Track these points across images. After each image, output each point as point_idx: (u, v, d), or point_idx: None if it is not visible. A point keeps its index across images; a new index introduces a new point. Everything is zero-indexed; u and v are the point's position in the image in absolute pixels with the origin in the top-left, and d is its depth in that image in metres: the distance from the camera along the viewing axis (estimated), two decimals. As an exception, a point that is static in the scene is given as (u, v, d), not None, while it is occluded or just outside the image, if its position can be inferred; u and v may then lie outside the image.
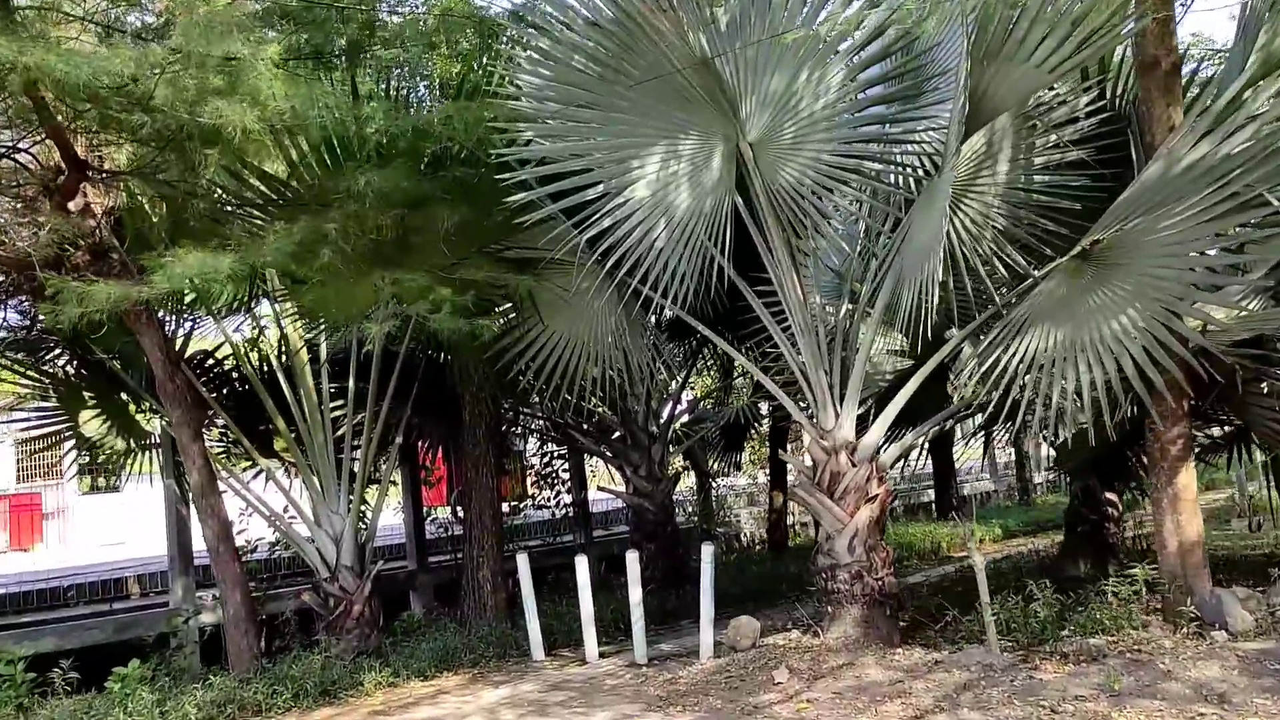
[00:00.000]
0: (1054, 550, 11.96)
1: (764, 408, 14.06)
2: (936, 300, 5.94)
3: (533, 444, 14.77)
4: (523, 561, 8.56)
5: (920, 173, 7.03)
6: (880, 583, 6.93)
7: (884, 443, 7.32)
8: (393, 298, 6.12)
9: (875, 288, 6.95)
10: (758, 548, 15.20)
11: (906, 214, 6.48)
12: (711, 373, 13.81)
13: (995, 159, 6.79)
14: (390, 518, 13.20)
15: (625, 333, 7.92)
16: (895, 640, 6.89)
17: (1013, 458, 23.89)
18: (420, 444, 11.63)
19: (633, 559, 7.91)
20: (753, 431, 14.49)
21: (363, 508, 10.05)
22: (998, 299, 6.60)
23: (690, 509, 14.51)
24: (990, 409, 6.99)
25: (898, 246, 6.46)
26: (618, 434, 12.47)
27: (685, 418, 13.36)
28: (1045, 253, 6.58)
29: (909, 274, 6.21)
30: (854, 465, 7.01)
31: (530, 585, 8.47)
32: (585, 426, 12.76)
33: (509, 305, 8.08)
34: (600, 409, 12.96)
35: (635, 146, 6.69)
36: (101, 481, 19.42)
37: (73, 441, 9.92)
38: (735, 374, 12.07)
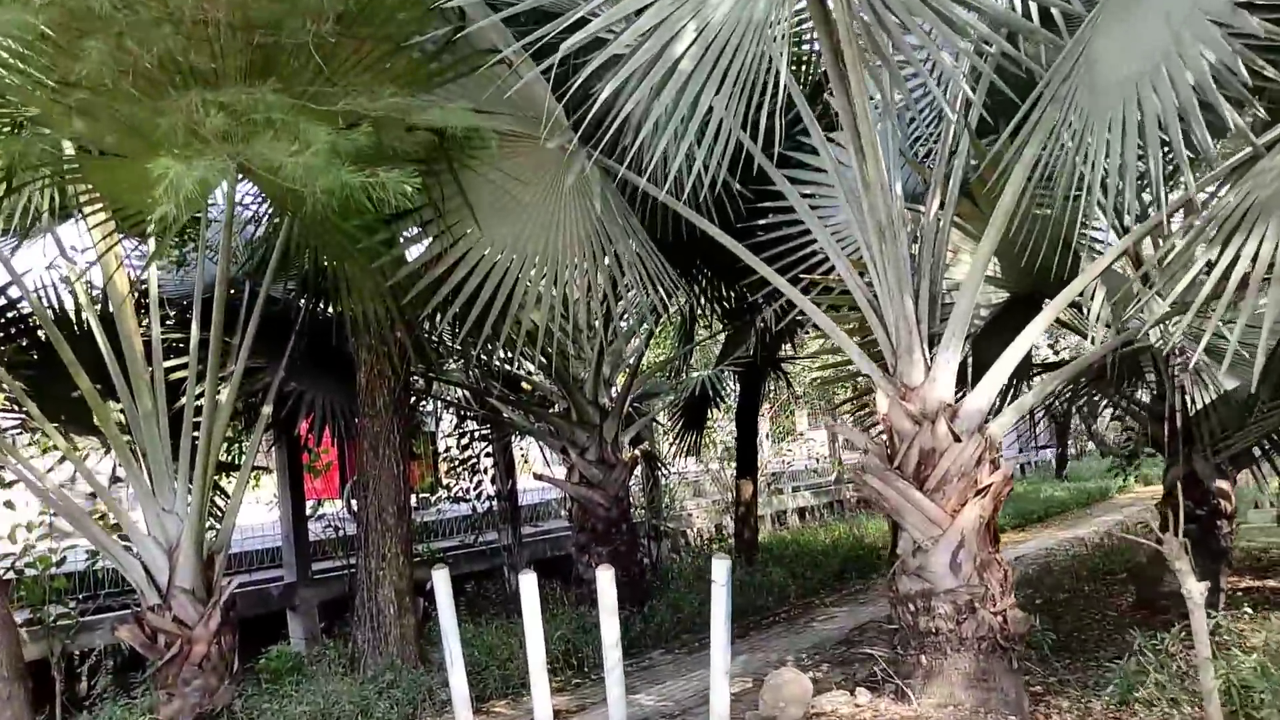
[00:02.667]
0: (1110, 543, 9.84)
1: (731, 381, 11.65)
2: (1162, 165, 3.56)
3: (447, 422, 12.10)
4: (440, 579, 5.91)
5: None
6: (1000, 619, 4.56)
7: (996, 406, 4.94)
8: (223, 136, 3.47)
9: (1006, 169, 4.54)
10: (715, 547, 12.80)
11: (1078, 31, 4.05)
12: (686, 326, 11.30)
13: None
14: (261, 515, 10.40)
15: (606, 240, 5.34)
16: (1025, 707, 4.54)
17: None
18: (304, 419, 8.85)
19: (606, 579, 5.35)
20: (712, 409, 12.05)
21: (214, 503, 7.35)
22: (1191, 180, 4.25)
23: (635, 502, 12.03)
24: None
25: (1066, 81, 4.04)
26: (557, 408, 9.91)
27: (639, 389, 10.84)
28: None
29: (1096, 117, 3.82)
30: (957, 439, 4.62)
31: (452, 615, 5.85)
32: (517, 398, 10.16)
33: (424, 204, 5.45)
34: (535, 375, 10.40)
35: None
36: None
37: None
38: (725, 322, 9.44)
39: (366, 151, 3.78)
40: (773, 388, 13.17)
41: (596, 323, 8.46)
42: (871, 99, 4.57)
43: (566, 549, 11.65)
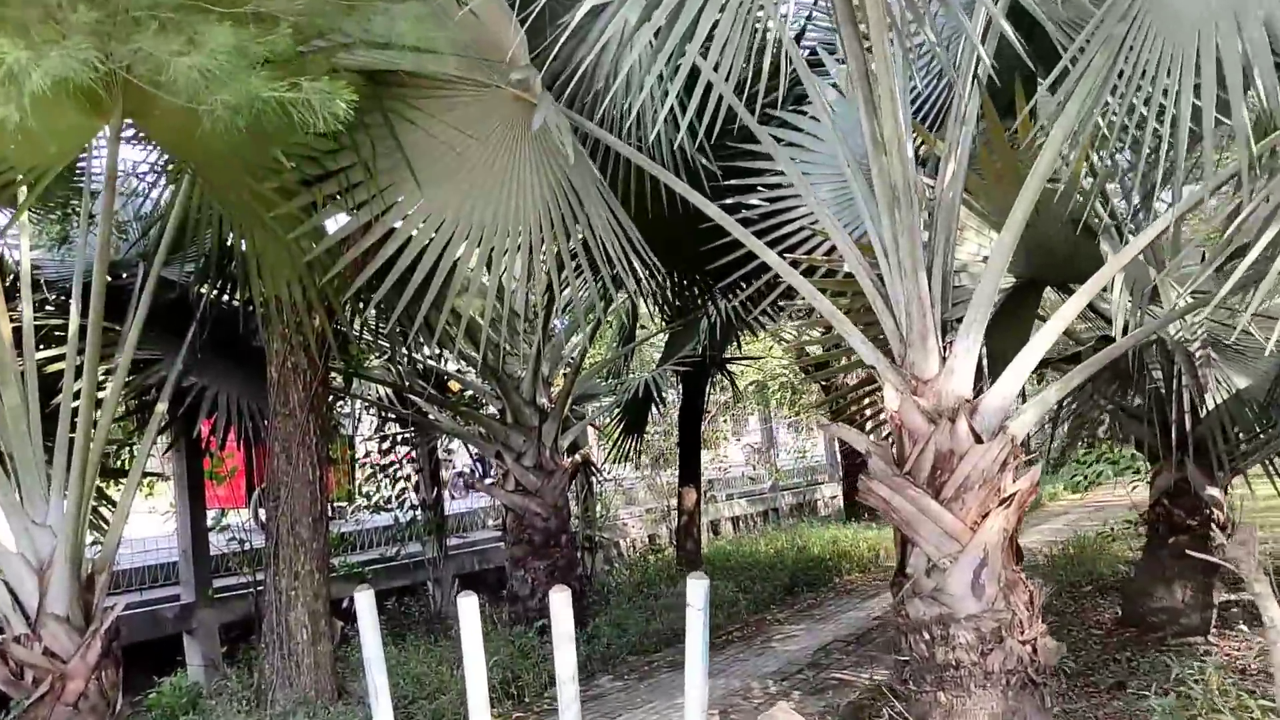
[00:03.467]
0: (1073, 553, 9.40)
1: (671, 383, 10.96)
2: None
3: (367, 424, 11.18)
4: (364, 602, 5.03)
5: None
6: (1030, 649, 3.93)
7: (1019, 402, 4.32)
8: (93, 32, 2.64)
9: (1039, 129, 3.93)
10: (654, 558, 12.10)
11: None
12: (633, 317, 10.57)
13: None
14: (157, 526, 9.36)
15: (576, 204, 4.58)
16: (1060, 751, 3.94)
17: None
18: (205, 419, 7.87)
19: (562, 602, 4.56)
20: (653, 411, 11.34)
21: (98, 514, 6.41)
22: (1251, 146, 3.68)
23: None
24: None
25: (1124, 20, 3.43)
26: (489, 409, 9.12)
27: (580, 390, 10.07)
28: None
29: (1178, 48, 3.23)
30: (978, 440, 3.99)
31: (377, 643, 5.01)
32: (444, 398, 9.33)
33: (351, 164, 4.63)
34: (466, 372, 9.58)
35: None
36: None
37: None
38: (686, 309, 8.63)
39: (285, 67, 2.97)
40: (711, 390, 12.55)
41: (538, 312, 7.71)
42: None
43: (495, 561, 10.84)
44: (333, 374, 7.83)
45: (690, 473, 10.85)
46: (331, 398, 8.36)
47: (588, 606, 8.63)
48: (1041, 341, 4.09)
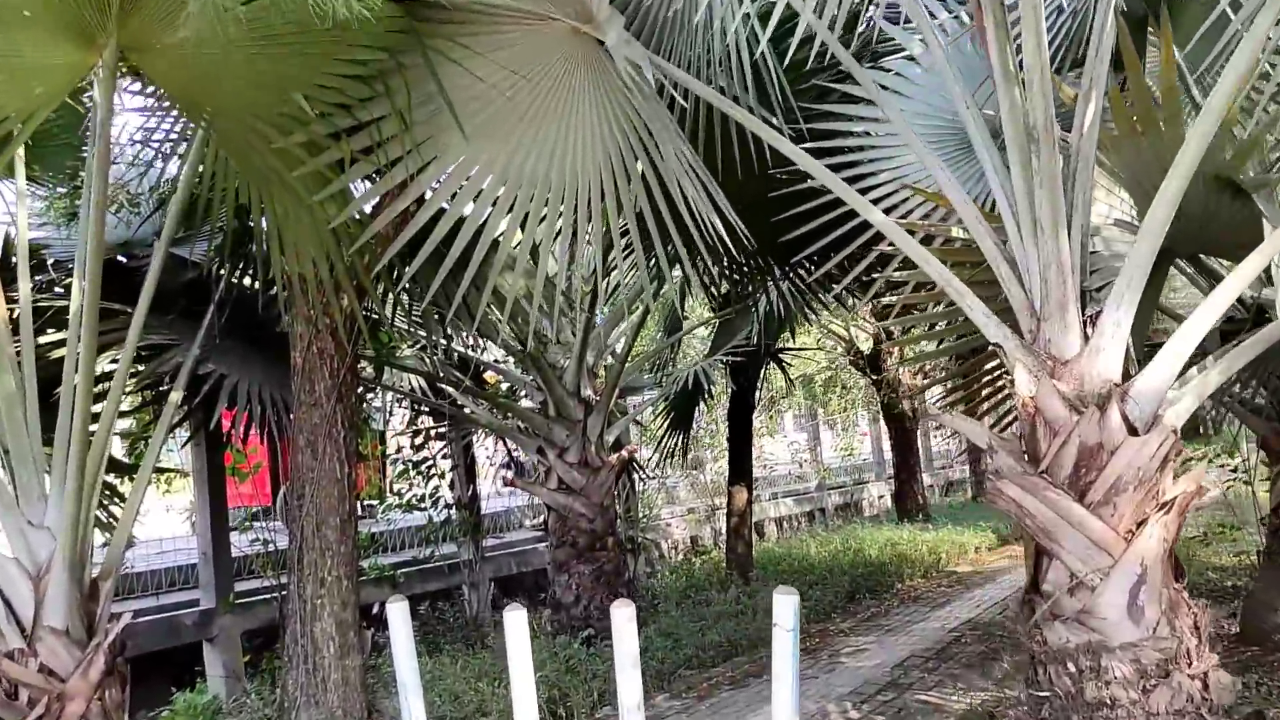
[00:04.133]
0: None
1: (719, 374, 10.29)
2: None
3: (398, 418, 10.62)
4: (398, 615, 4.47)
5: None
6: (1200, 684, 3.26)
7: (1176, 387, 3.64)
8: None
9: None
10: (698, 561, 11.48)
11: None
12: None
13: None
14: (176, 525, 8.84)
15: (647, 150, 3.94)
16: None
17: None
18: (224, 409, 7.29)
19: (624, 619, 3.93)
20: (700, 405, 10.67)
21: (101, 510, 5.88)
22: None
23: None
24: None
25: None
26: (529, 401, 8.53)
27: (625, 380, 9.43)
28: None
29: None
30: (1133, 433, 3.32)
31: (412, 662, 4.45)
32: (481, 389, 8.75)
33: (381, 116, 4.03)
34: (504, 362, 9.00)
35: None
36: None
37: None
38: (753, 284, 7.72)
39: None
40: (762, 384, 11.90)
41: (587, 292, 7.09)
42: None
43: (534, 564, 10.25)
44: (362, 363, 7.24)
45: (740, 470, 10.20)
46: (361, 388, 7.79)
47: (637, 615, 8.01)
48: (1208, 315, 3.41)
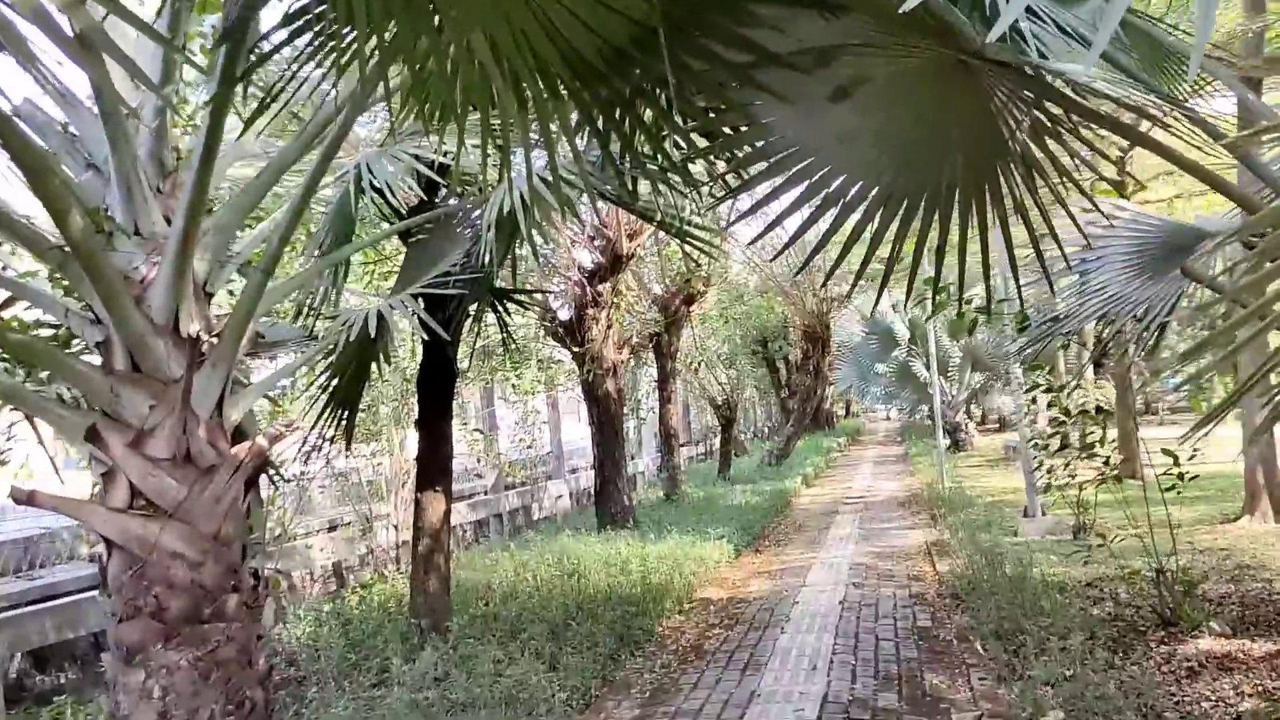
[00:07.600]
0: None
1: (404, 318, 6.78)
2: None
3: None
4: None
5: None
6: None
7: None
8: None
9: None
10: (356, 600, 7.92)
11: None
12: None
13: None
14: None
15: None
16: None
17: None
18: None
19: None
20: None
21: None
22: None
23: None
24: None
25: None
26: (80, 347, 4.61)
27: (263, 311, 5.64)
28: None
29: None
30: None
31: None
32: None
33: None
34: (34, 275, 5.02)
35: None
36: None
37: None
38: None
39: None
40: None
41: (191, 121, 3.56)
42: None
43: (92, 626, 6.26)
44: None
45: (436, 468, 6.82)
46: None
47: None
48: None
